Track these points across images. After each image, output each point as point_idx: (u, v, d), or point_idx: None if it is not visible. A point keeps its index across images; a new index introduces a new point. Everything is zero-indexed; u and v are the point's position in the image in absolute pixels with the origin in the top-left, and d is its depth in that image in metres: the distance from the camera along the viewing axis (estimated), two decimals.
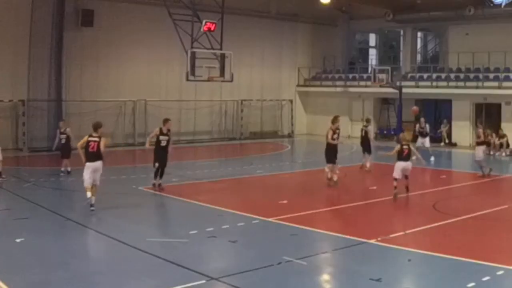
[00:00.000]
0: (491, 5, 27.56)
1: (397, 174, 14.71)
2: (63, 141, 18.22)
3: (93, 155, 12.86)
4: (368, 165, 19.64)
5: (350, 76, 33.52)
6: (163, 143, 15.54)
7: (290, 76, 34.66)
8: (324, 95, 33.84)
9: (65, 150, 18.22)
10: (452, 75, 28.84)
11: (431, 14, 30.08)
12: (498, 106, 27.40)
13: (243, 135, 31.77)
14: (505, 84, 26.69)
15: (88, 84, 26.10)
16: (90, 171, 12.81)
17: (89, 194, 12.85)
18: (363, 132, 20.25)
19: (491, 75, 27.47)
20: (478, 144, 18.99)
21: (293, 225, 11.76)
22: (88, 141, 12.92)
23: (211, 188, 16.64)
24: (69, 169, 17.95)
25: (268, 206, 14.04)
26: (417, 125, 23.74)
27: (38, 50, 24.46)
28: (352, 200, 14.79)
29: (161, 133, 15.57)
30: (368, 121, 21.35)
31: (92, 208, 12.84)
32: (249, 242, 10.81)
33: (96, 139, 12.97)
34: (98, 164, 12.93)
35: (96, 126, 13.17)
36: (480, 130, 19.32)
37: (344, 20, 35.54)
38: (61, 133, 18.33)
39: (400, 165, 14.76)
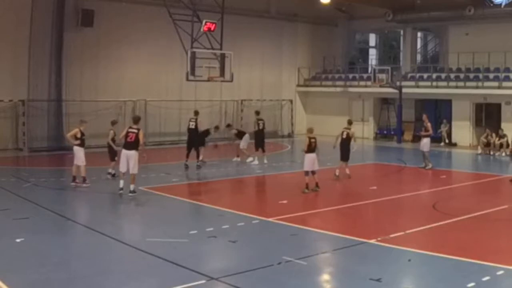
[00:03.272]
0: (491, 5, 27.53)
1: (308, 167, 15.36)
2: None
3: (129, 145, 14.46)
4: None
5: (350, 76, 33.52)
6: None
7: (290, 76, 34.63)
8: (324, 95, 33.83)
9: (113, 151, 17.32)
10: (452, 75, 28.83)
11: (431, 14, 30.08)
12: (498, 106, 27.40)
13: None
14: (505, 84, 26.69)
15: (88, 84, 26.06)
16: (124, 158, 14.41)
17: (121, 182, 14.55)
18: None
19: (491, 75, 27.47)
20: (426, 136, 20.23)
21: (293, 225, 11.76)
22: (127, 132, 14.54)
23: (211, 188, 16.64)
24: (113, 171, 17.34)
25: (268, 206, 14.04)
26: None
27: (38, 50, 24.45)
28: (352, 200, 14.78)
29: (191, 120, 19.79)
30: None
31: (130, 195, 14.32)
32: (249, 242, 10.81)
33: (135, 130, 14.52)
34: (132, 153, 14.43)
35: (136, 119, 15.05)
36: (429, 124, 20.57)
37: (344, 20, 35.55)
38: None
39: (310, 157, 15.45)
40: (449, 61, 30.31)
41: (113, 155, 17.13)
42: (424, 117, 21.02)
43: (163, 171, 19.20)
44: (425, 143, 20.20)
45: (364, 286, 8.26)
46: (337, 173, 17.69)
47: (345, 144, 17.86)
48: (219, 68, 21.37)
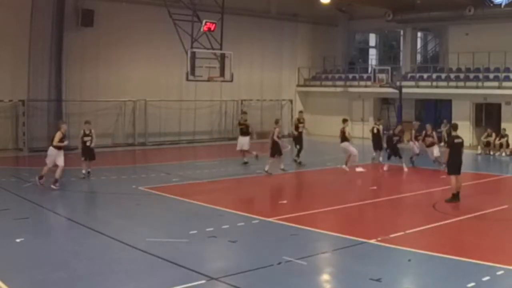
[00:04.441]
0: (491, 5, 27.54)
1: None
2: (88, 143, 17.66)
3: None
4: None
5: (350, 76, 33.52)
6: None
7: (290, 76, 34.64)
8: (324, 95, 33.83)
9: (90, 152, 17.73)
10: (452, 75, 28.83)
11: (431, 14, 30.07)
12: (498, 106, 27.40)
13: None
14: (505, 84, 26.68)
15: (88, 84, 26.08)
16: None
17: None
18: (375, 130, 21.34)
19: (491, 75, 27.47)
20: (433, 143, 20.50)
21: (293, 225, 11.76)
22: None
23: (211, 188, 16.64)
24: (89, 170, 17.66)
25: (268, 206, 14.04)
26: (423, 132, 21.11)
27: (38, 50, 24.46)
28: (352, 200, 14.78)
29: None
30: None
31: None
32: (249, 242, 10.81)
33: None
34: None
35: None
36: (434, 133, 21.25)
37: (344, 20, 35.58)
38: (86, 135, 17.72)
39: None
40: (449, 61, 30.32)
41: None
42: (429, 127, 21.12)
43: (163, 171, 19.22)
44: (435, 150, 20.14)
45: (364, 286, 8.26)
46: (381, 159, 20.62)
47: (376, 137, 21.03)
48: (219, 68, 21.36)
